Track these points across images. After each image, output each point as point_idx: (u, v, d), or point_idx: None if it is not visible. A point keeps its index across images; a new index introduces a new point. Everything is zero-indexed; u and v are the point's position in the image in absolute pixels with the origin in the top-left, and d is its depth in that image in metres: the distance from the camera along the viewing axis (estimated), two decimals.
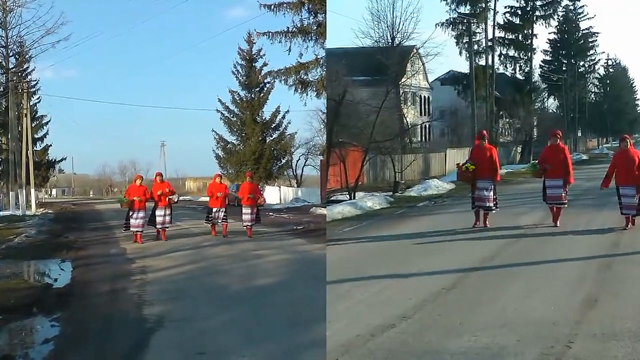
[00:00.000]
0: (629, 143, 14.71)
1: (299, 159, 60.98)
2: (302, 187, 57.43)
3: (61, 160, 64.19)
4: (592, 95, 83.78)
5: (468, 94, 48.88)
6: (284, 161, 58.03)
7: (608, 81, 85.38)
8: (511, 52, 56.06)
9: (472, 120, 44.46)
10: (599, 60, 75.71)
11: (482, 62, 51.96)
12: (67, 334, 8.73)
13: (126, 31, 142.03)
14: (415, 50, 51.27)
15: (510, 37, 56.04)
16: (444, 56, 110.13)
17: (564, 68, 68.59)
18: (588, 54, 72.36)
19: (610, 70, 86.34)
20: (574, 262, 10.87)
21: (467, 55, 49.01)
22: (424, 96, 61.07)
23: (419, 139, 56.72)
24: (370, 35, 49.42)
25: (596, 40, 71.60)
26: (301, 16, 31.52)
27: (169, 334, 8.40)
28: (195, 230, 23.50)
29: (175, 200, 21.14)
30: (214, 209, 21.25)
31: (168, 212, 20.59)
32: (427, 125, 59.15)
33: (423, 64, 54.94)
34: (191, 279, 13.01)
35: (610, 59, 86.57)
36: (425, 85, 60.76)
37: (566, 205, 15.06)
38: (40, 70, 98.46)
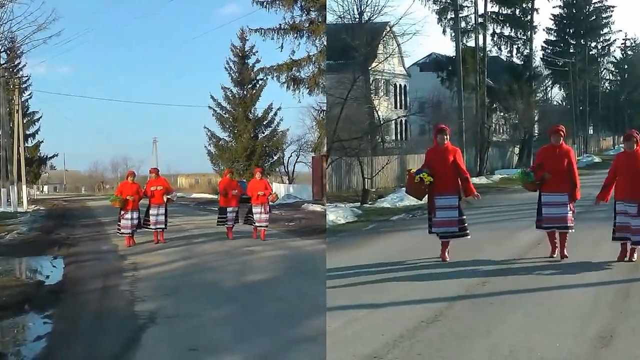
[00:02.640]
0: (635, 143, 13.18)
1: (291, 155, 71.50)
2: (294, 183, 67.80)
3: (53, 156, 76.83)
4: (606, 84, 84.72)
5: (454, 83, 49.31)
6: (275, 158, 69.12)
7: (626, 66, 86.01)
8: (507, 31, 56.36)
9: (459, 115, 44.83)
10: (615, 40, 76.73)
11: (471, 43, 52.15)
12: (59, 331, 10.31)
13: (118, 28, 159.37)
14: (388, 29, 51.40)
15: (505, 12, 56.07)
16: (424, 36, 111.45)
17: (571, 50, 69.50)
18: (601, 32, 73.29)
19: (629, 52, 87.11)
20: (584, 289, 10.97)
21: (453, 34, 49.44)
22: (400, 85, 61.36)
23: (394, 138, 56.96)
24: (332, 9, 49.54)
25: (611, 16, 72.69)
26: (293, 13, 37.64)
27: (161, 331, 9.95)
28: (187, 227, 27.53)
29: (174, 199, 23.01)
30: (229, 209, 23.04)
31: (162, 211, 22.21)
32: (404, 121, 59.32)
33: (398, 45, 55.10)
34: (183, 276, 15.41)
35: (629, 39, 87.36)
36: (401, 71, 61.07)
37: (573, 230, 13.65)
38: (32, 66, 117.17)
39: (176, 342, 9.25)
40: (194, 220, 31.72)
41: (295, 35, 37.46)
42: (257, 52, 66.39)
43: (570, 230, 13.57)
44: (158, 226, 22.12)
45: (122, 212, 21.58)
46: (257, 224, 22.60)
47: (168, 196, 22.25)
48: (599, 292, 10.71)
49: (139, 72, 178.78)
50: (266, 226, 22.80)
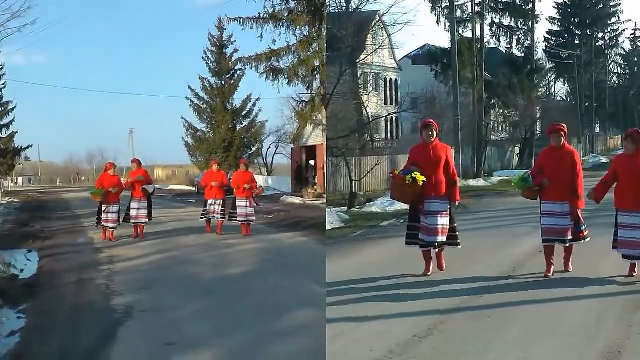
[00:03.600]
0: (637, 144, 12.34)
1: (270, 147, 73.99)
2: (273, 175, 70.91)
3: (27, 147, 76.61)
4: (615, 78, 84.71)
5: (449, 77, 49.26)
6: (254, 149, 70.95)
7: (635, 59, 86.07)
8: (506, 21, 56.39)
9: (455, 112, 44.83)
10: (624, 31, 76.75)
11: (468, 34, 52.16)
12: (34, 325, 10.91)
13: (94, 16, 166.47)
14: (378, 18, 51.39)
15: (505, 0, 56.37)
16: (417, 26, 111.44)
17: (576, 42, 69.52)
18: (609, 22, 73.33)
19: (639, 44, 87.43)
20: (589, 300, 10.98)
21: (448, 24, 49.46)
22: (390, 79, 61.32)
23: (384, 136, 56.91)
24: None
25: (620, 4, 72.66)
26: (273, 2, 38.04)
27: (137, 325, 10.66)
28: (164, 219, 29.18)
29: (149, 191, 23.49)
30: (209, 201, 24.16)
31: (144, 204, 23.23)
32: (395, 118, 59.34)
33: (389, 36, 55.10)
34: (160, 269, 16.61)
35: (638, 30, 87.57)
36: (392, 64, 61.05)
37: (580, 242, 13.19)
38: (6, 55, 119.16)
39: (153, 337, 9.92)
40: (171, 212, 33.65)
41: (275, 24, 38.03)
42: (235, 41, 68.36)
43: (568, 245, 13.03)
44: (139, 220, 23.02)
45: (105, 206, 22.34)
46: (241, 219, 23.38)
47: (144, 186, 22.94)
48: (605, 304, 10.71)
49: (115, 62, 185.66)
50: (252, 221, 23.74)
